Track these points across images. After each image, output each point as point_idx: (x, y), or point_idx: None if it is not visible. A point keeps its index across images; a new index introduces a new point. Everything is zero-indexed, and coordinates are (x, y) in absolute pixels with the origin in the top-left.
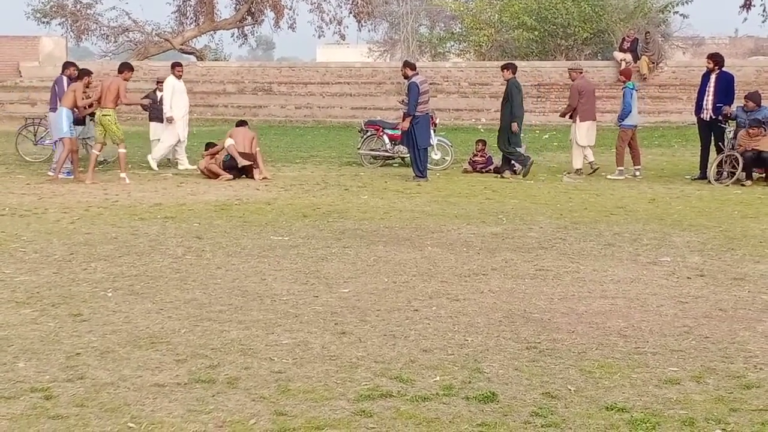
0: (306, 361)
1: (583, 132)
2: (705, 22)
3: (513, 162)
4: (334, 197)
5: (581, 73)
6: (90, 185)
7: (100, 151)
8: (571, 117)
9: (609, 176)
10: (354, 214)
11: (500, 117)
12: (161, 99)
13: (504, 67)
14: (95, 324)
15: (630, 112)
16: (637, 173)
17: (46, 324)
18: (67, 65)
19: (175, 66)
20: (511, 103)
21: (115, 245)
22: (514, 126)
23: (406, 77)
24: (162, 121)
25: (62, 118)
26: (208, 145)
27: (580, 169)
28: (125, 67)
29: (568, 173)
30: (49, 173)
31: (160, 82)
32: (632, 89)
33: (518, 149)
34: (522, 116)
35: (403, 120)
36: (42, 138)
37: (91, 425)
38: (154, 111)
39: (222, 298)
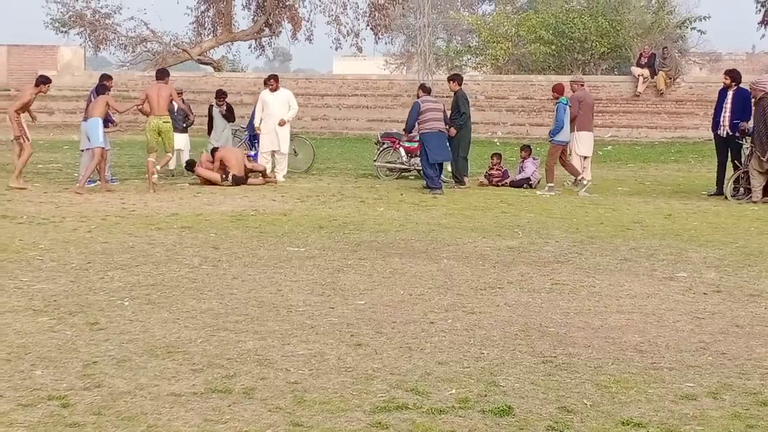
0: (322, 372)
1: (583, 142)
2: (722, 37)
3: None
4: (350, 209)
5: (582, 85)
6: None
7: (155, 158)
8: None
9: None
10: (370, 226)
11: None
12: (178, 109)
13: (450, 79)
14: (112, 333)
15: (562, 128)
16: (554, 190)
17: (63, 332)
18: (105, 77)
19: (269, 79)
20: (463, 112)
21: (132, 254)
22: (452, 130)
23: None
24: (179, 131)
25: (98, 128)
26: (214, 150)
27: (581, 177)
28: (165, 74)
29: (567, 183)
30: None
31: (179, 93)
32: (565, 104)
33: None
34: (465, 125)
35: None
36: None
37: None
38: (173, 121)
39: (238, 309)
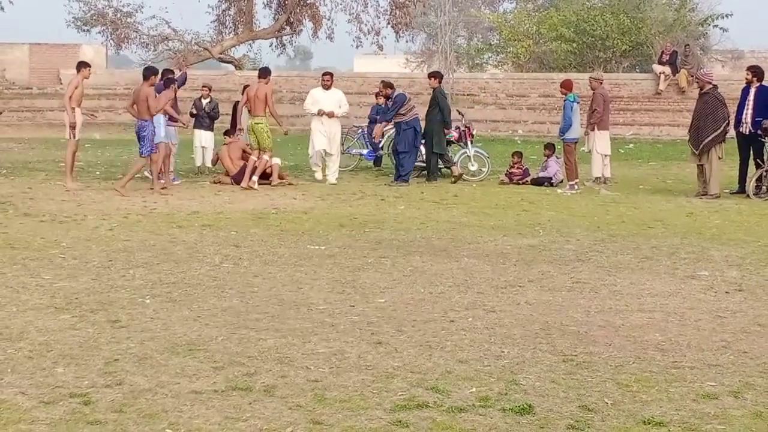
0: (342, 370)
1: (603, 140)
2: (745, 35)
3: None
4: (370, 207)
5: (601, 82)
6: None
7: (262, 157)
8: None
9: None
10: (390, 224)
11: (426, 122)
12: (206, 106)
13: (431, 76)
14: (133, 330)
15: (571, 125)
16: (576, 188)
17: (85, 330)
18: (166, 72)
19: (323, 75)
20: (442, 110)
21: (153, 252)
22: (450, 131)
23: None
24: (205, 129)
25: (161, 124)
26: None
27: (599, 177)
28: (267, 73)
29: (588, 181)
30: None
31: (205, 87)
32: (573, 102)
33: (447, 154)
34: (450, 122)
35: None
36: (349, 147)
37: (129, 431)
38: (199, 118)
39: (259, 307)
